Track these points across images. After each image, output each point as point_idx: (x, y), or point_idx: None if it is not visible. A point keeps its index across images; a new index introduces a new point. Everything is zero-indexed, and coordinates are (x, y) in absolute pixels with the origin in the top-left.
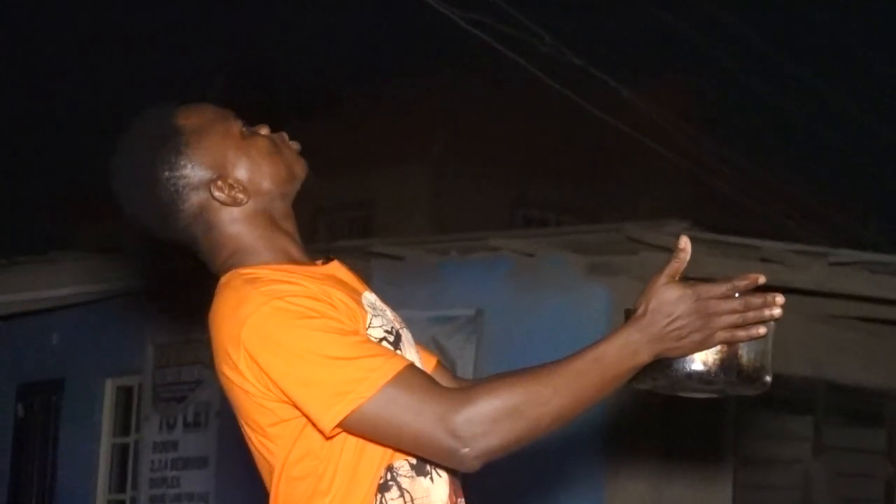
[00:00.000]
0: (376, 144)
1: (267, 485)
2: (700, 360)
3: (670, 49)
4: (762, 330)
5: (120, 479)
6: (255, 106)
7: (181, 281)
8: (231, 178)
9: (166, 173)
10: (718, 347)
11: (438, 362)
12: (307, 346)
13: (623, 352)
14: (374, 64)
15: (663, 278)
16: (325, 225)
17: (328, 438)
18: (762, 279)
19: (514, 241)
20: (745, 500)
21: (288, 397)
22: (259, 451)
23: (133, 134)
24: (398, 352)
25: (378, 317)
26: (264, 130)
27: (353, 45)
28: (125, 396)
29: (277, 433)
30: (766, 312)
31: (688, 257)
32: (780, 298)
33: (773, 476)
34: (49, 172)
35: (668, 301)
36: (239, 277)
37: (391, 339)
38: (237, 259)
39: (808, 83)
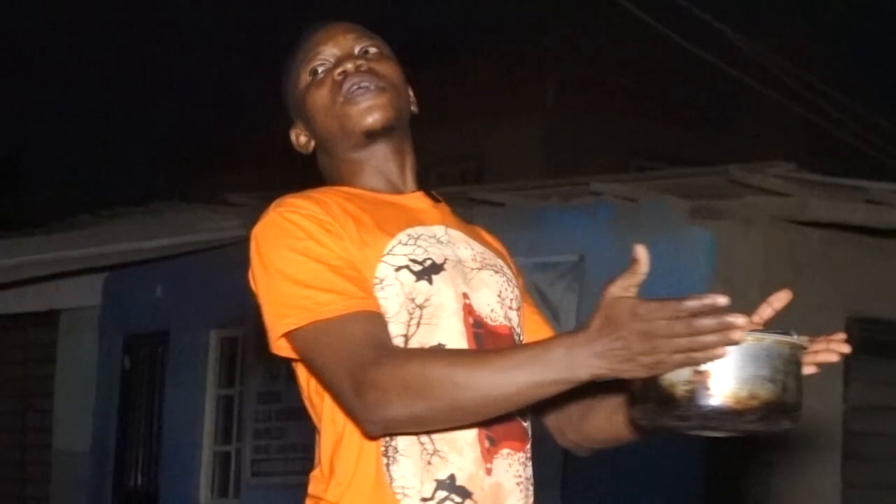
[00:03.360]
0: (487, 97)
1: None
2: (670, 394)
3: None
4: (720, 352)
5: (225, 430)
6: None
7: None
8: (299, 125)
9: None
10: (688, 377)
11: None
12: (277, 261)
13: (563, 361)
14: (483, 17)
15: (614, 289)
16: (438, 176)
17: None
18: (722, 300)
19: (615, 186)
20: (857, 449)
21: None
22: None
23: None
24: (421, 282)
25: (410, 246)
26: (336, 72)
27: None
28: (230, 347)
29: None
30: (721, 337)
31: (645, 270)
32: (740, 320)
33: (885, 424)
34: (154, 124)
35: (612, 318)
36: None
37: (416, 268)
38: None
39: None
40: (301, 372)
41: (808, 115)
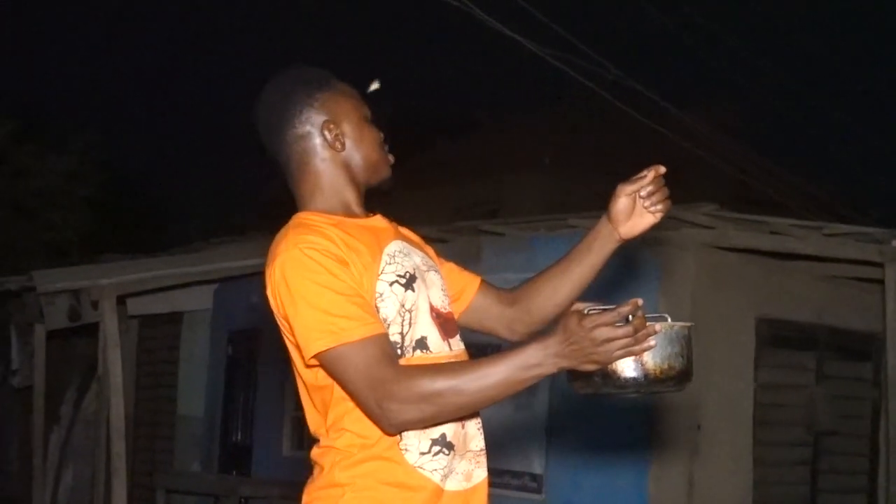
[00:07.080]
0: (502, 157)
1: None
2: (612, 369)
3: (708, 72)
4: (651, 343)
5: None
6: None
7: None
8: (341, 129)
9: (302, 97)
10: (629, 358)
11: (483, 282)
12: (304, 293)
13: (529, 362)
14: (498, 102)
15: (577, 305)
16: (463, 216)
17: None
18: (640, 301)
19: (587, 221)
20: (764, 416)
21: (288, 324)
22: (292, 356)
23: (298, 68)
24: (408, 292)
25: (393, 265)
26: (382, 134)
27: (484, 85)
28: None
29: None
30: (650, 333)
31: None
32: (657, 326)
33: (785, 397)
34: (249, 178)
35: (568, 329)
36: (297, 219)
37: (402, 282)
38: (311, 196)
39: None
40: (300, 368)
41: (729, 169)
